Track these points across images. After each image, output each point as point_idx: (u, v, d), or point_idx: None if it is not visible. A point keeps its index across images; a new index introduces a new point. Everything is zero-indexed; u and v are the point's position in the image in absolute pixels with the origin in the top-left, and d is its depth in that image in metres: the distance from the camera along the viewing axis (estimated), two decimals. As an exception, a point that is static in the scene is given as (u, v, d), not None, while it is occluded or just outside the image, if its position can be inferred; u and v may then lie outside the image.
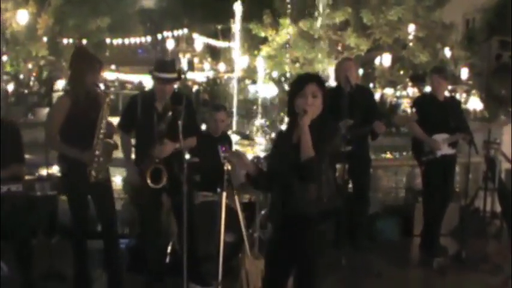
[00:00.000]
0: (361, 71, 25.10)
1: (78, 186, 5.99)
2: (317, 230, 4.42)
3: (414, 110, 7.83)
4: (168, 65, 6.47)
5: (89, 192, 6.09)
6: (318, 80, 4.50)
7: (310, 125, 4.32)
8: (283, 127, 25.96)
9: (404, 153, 17.20)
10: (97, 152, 5.82)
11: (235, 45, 29.47)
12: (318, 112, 4.39)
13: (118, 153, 6.47)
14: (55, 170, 6.91)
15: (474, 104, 31.09)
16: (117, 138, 6.39)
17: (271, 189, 4.66)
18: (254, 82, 34.37)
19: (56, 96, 25.95)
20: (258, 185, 4.91)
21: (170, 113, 6.09)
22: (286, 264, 4.59)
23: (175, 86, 6.59)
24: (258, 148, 22.61)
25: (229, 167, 5.72)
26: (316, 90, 4.38)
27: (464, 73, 28.45)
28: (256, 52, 29.33)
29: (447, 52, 27.77)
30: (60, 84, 29.23)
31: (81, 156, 5.84)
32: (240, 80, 35.44)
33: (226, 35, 37.11)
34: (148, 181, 6.03)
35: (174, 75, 6.32)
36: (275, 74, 30.34)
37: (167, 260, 6.93)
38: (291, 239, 4.47)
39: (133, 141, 6.56)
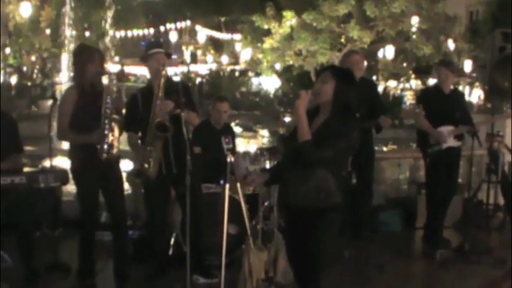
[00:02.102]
0: (364, 64, 25.03)
1: (89, 177, 6.07)
2: (316, 224, 4.45)
3: (421, 106, 7.83)
4: (156, 43, 6.93)
5: (99, 184, 6.15)
6: (332, 68, 4.60)
7: (327, 117, 4.43)
8: (287, 119, 25.89)
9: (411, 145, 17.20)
10: (106, 132, 5.91)
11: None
12: (327, 97, 4.42)
13: (122, 146, 6.48)
14: (58, 161, 6.95)
15: (477, 96, 31.06)
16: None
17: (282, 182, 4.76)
18: (258, 74, 34.40)
19: (59, 88, 25.98)
20: (276, 182, 5.18)
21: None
22: (298, 251, 4.65)
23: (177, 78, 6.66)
24: (261, 140, 22.66)
25: (232, 159, 5.73)
26: (327, 76, 4.44)
27: (468, 66, 28.36)
28: (259, 44, 29.30)
29: (450, 44, 27.67)
30: (63, 76, 29.24)
31: (90, 138, 5.93)
32: (243, 73, 35.49)
33: (229, 27, 37.10)
34: (155, 131, 6.05)
35: (162, 50, 6.50)
36: (278, 67, 30.31)
37: (170, 252, 6.95)
38: (294, 228, 4.59)
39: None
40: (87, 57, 6.08)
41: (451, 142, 7.77)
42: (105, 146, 5.92)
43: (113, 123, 5.97)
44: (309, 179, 4.37)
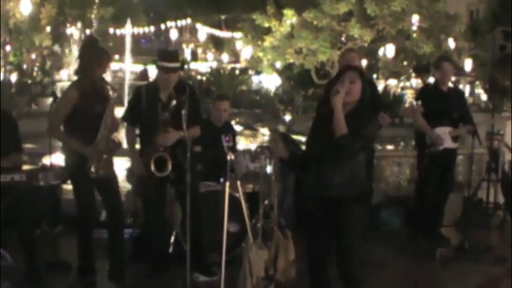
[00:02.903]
0: (364, 62, 25.03)
1: (84, 176, 6.01)
2: (353, 210, 4.76)
3: (419, 102, 7.85)
4: (171, 55, 6.51)
5: (94, 182, 6.12)
6: (357, 69, 4.91)
7: (350, 110, 4.70)
8: (287, 117, 25.88)
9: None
10: (100, 148, 5.88)
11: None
12: (357, 97, 4.73)
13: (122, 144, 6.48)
14: (58, 159, 6.95)
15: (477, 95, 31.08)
16: (121, 130, 6.42)
17: (307, 171, 4.90)
18: (258, 73, 34.39)
19: (59, 86, 25.99)
20: (293, 165, 5.44)
21: (174, 102, 6.09)
22: (326, 242, 4.94)
23: (180, 74, 6.61)
24: (261, 138, 22.66)
25: (233, 157, 5.74)
26: (355, 76, 4.73)
27: (468, 64, 28.37)
28: (260, 43, 29.29)
29: (451, 43, 27.66)
30: (63, 74, 29.25)
31: (83, 151, 5.89)
32: (244, 71, 35.48)
33: (230, 25, 37.11)
34: (153, 169, 6.04)
35: (177, 65, 6.33)
36: (278, 65, 30.31)
37: (170, 249, 6.94)
38: (329, 219, 4.79)
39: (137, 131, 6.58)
40: (96, 60, 6.02)
41: (448, 143, 7.81)
42: (94, 166, 5.88)
43: (108, 144, 5.96)
44: (345, 169, 4.68)
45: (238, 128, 21.33)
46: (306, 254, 5.09)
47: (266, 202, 7.35)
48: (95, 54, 6.12)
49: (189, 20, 37.12)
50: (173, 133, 6.07)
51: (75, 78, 6.28)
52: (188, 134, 5.86)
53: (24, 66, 29.52)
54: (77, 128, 5.94)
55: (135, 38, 34.41)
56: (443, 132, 7.75)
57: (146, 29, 34.15)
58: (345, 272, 4.90)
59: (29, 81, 29.54)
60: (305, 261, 5.17)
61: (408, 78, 33.95)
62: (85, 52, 6.22)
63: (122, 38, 32.48)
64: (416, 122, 7.93)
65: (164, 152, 6.06)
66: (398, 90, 35.64)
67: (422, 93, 8.33)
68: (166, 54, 6.50)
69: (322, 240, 4.96)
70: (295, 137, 14.53)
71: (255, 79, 39.36)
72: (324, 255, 5.00)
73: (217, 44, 40.18)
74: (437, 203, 8.11)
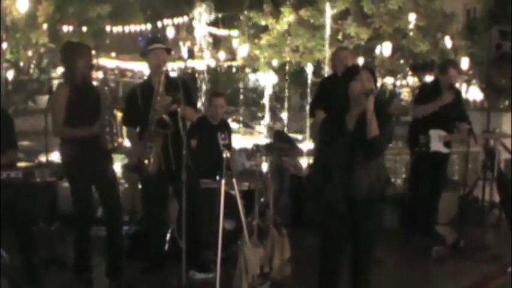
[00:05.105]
0: (361, 60, 25.00)
1: (81, 173, 6.03)
2: (375, 210, 4.84)
3: (412, 100, 7.92)
4: (155, 39, 6.97)
5: (92, 179, 6.13)
6: (369, 68, 4.92)
7: (353, 106, 4.72)
8: (283, 115, 25.77)
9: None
10: (110, 120, 5.92)
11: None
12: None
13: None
14: (55, 156, 6.95)
15: (474, 94, 31.13)
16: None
17: (327, 177, 4.84)
18: (254, 71, 34.34)
19: (56, 83, 25.94)
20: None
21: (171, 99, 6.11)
22: (343, 244, 4.96)
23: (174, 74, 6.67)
24: (258, 136, 22.66)
25: (228, 155, 5.75)
26: (370, 77, 4.71)
27: (465, 63, 28.36)
28: (256, 41, 29.26)
29: (448, 42, 27.63)
30: (60, 71, 29.16)
31: (91, 130, 5.91)
32: (240, 69, 35.44)
33: (227, 23, 37.04)
34: (157, 128, 6.02)
35: (161, 44, 6.45)
36: (275, 63, 30.26)
37: (166, 247, 6.95)
38: (351, 220, 4.80)
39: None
40: (76, 53, 6.07)
41: (440, 147, 7.83)
42: (108, 136, 5.91)
43: (115, 111, 5.99)
44: (371, 170, 4.70)
45: (235, 125, 21.33)
46: (319, 260, 5.06)
47: (262, 200, 7.38)
48: (74, 48, 6.25)
49: (185, 18, 37.02)
50: (166, 97, 6.10)
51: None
52: (185, 116, 5.96)
53: (21, 64, 29.44)
54: (77, 121, 5.97)
55: (132, 36, 34.36)
56: (437, 135, 7.78)
57: (143, 27, 34.04)
58: (359, 272, 4.98)
59: (26, 79, 29.48)
60: (301, 260, 5.18)
61: (405, 77, 33.91)
62: (64, 52, 6.30)
63: (118, 35, 32.45)
64: (420, 110, 7.95)
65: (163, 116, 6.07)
66: (395, 88, 35.59)
67: (421, 93, 8.36)
68: (150, 39, 7.01)
69: (340, 247, 4.97)
70: (291, 135, 14.56)
71: (251, 77, 39.31)
72: (339, 262, 5.01)
73: (214, 42, 40.10)
74: (430, 201, 8.14)
